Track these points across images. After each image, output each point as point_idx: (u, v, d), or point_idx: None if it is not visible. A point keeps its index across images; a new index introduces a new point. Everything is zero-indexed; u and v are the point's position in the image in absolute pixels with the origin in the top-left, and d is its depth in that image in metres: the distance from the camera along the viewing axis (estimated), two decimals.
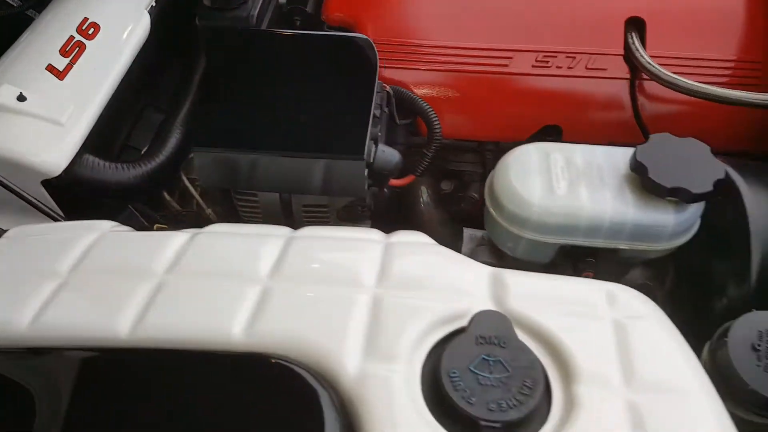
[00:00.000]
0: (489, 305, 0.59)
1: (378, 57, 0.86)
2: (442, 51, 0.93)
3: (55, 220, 0.81)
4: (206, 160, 0.78)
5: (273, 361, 0.53)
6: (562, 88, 0.92)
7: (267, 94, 0.83)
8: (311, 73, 0.86)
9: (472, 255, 0.82)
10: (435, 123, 0.90)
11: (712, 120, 0.90)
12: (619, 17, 0.93)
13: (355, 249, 0.65)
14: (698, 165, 0.69)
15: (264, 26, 1.02)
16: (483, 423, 0.48)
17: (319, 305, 0.58)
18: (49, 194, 0.82)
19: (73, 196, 0.85)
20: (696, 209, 0.71)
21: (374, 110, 0.83)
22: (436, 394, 0.50)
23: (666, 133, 0.72)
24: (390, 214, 0.98)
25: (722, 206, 0.74)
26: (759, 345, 0.58)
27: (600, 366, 0.55)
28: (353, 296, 0.59)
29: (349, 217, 0.90)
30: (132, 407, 0.53)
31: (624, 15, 0.94)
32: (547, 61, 0.92)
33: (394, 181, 0.91)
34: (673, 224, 0.69)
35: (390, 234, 0.70)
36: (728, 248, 0.72)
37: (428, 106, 0.90)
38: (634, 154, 0.70)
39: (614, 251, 0.74)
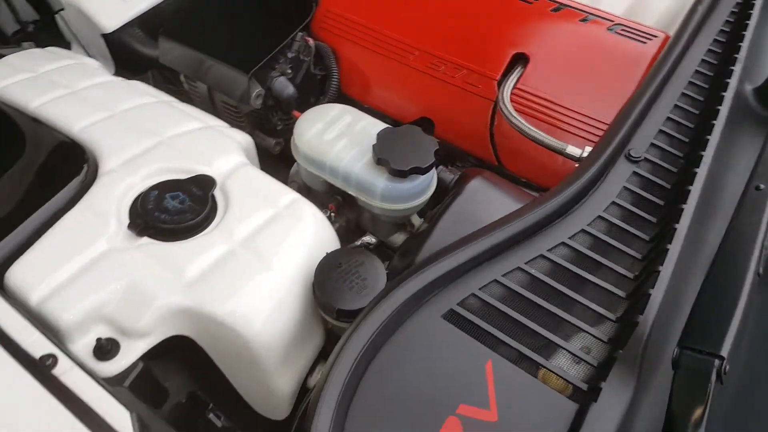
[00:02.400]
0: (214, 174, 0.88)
1: (311, 16, 1.15)
2: (369, 31, 1.17)
3: None
4: (168, 46, 1.17)
5: None
6: (440, 91, 1.11)
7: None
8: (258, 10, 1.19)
9: (289, 181, 1.08)
10: (333, 79, 1.17)
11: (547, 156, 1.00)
12: (508, 50, 1.07)
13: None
14: (417, 151, 0.86)
15: None
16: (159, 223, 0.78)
17: None
18: (106, 46, 1.29)
19: (119, 51, 1.30)
20: (410, 186, 0.88)
21: (290, 52, 1.14)
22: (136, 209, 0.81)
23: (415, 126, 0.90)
24: None
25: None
26: (340, 263, 0.77)
27: (240, 223, 0.81)
28: None
29: (258, 126, 1.22)
30: None
31: (514, 50, 1.07)
32: (439, 66, 1.11)
33: (296, 113, 1.20)
34: (382, 188, 0.88)
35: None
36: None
37: (334, 66, 1.17)
38: (379, 132, 0.89)
39: (354, 197, 0.94)
